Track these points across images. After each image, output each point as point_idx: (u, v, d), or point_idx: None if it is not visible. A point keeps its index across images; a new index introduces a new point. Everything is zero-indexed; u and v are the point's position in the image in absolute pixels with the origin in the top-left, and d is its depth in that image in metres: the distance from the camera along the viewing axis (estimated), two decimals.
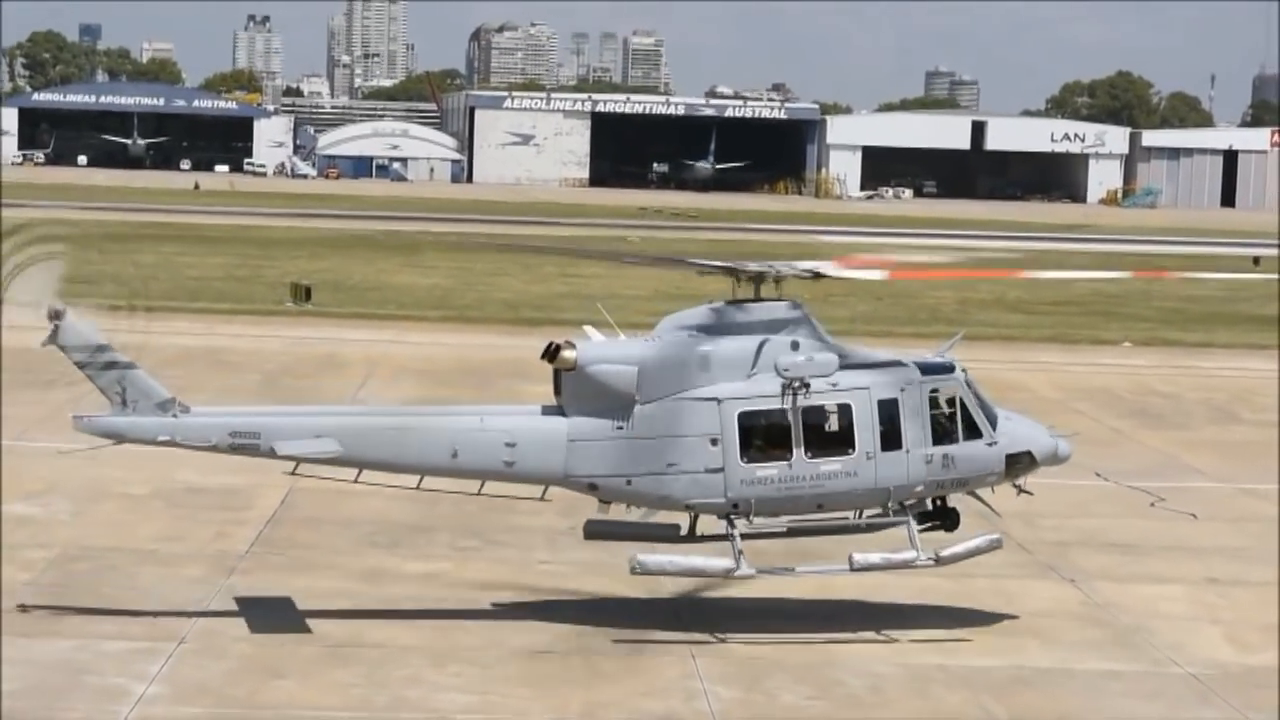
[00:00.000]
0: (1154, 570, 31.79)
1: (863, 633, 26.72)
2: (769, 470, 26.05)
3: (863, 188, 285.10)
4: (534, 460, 26.24)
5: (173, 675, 23.92)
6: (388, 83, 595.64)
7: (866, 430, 26.28)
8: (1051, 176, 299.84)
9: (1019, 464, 27.55)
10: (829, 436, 26.29)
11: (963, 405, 26.89)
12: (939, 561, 26.96)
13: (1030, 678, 25.04)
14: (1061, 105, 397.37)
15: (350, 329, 66.51)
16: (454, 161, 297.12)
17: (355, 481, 27.20)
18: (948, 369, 27.09)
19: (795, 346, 26.19)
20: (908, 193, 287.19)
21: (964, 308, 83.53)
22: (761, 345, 26.17)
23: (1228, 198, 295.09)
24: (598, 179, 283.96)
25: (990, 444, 27.11)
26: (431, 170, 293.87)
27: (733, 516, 26.29)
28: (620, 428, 26.10)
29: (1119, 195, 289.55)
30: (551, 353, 26.37)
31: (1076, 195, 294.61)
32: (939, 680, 24.69)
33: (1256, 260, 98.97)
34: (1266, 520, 36.76)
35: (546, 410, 26.72)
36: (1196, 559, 32.78)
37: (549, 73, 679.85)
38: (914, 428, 26.49)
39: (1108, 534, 34.52)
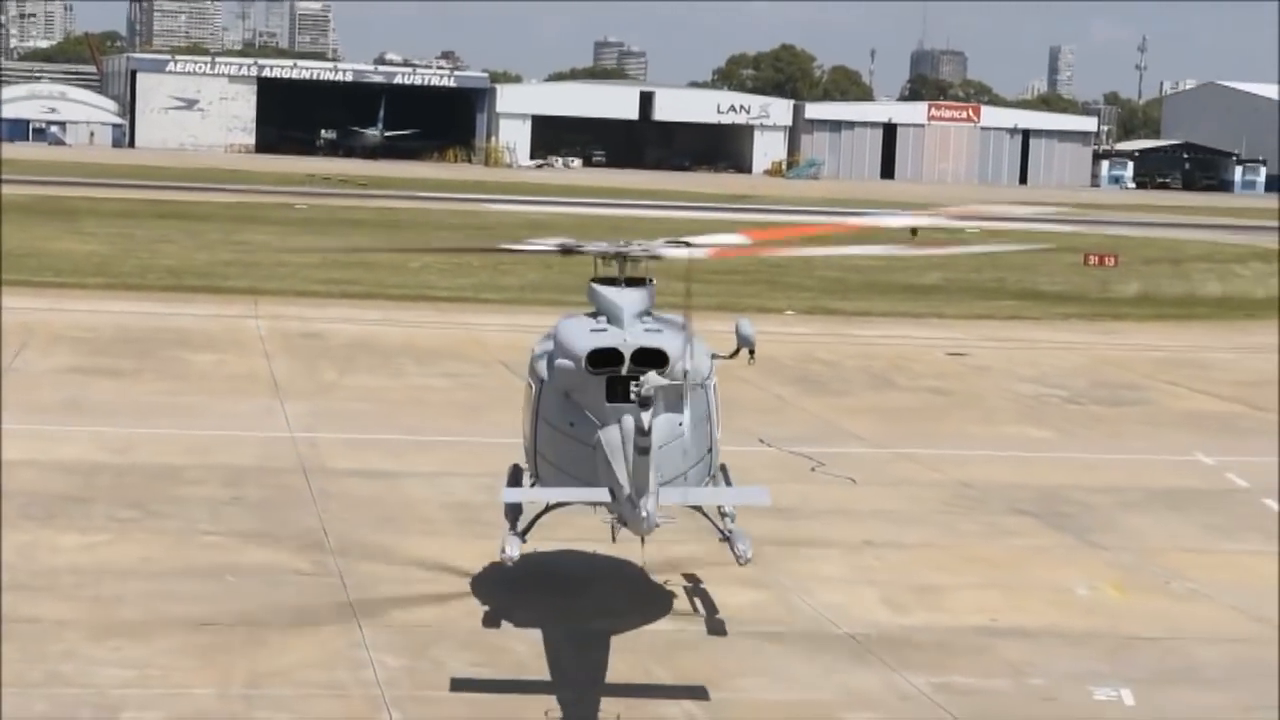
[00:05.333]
0: (814, 534, 32.45)
1: (531, 599, 26.81)
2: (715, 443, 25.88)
3: (532, 156, 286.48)
4: (668, 468, 23.62)
5: None
6: (44, 43, 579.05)
7: None
8: (718, 147, 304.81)
9: None
10: None
11: None
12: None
13: (692, 641, 25.37)
14: (728, 77, 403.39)
15: (4, 297, 64.54)
16: (115, 126, 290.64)
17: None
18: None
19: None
20: (577, 162, 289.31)
21: None
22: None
23: (887, 169, 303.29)
24: (264, 145, 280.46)
25: None
26: (92, 134, 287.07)
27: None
28: (680, 424, 24.35)
29: (783, 166, 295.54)
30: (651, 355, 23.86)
31: (742, 166, 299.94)
32: (603, 645, 24.87)
33: (914, 231, 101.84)
34: (922, 484, 37.84)
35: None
36: (855, 522, 33.56)
37: (214, 36, 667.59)
38: None
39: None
